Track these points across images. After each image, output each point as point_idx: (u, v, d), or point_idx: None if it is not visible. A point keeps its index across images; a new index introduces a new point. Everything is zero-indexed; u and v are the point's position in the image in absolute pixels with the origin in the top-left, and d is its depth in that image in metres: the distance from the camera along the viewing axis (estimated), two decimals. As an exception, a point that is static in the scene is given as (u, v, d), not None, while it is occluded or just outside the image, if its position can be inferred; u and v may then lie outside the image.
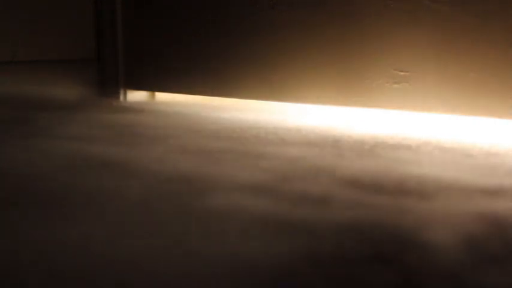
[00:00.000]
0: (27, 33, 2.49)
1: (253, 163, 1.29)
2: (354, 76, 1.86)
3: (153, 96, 2.57)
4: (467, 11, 1.65)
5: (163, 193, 1.07)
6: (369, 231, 0.87)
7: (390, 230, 0.87)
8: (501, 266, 0.75)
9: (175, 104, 2.39)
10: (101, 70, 2.56)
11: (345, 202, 1.01)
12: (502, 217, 0.93)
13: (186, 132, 1.69)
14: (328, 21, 1.91)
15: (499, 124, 1.66)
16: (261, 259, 0.77)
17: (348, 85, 1.88)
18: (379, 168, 1.24)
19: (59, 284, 0.69)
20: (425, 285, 0.69)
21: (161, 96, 2.54)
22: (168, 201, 1.02)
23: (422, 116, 1.79)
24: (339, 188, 1.10)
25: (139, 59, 2.50)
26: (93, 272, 0.73)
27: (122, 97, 2.55)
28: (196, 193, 1.07)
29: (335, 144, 1.48)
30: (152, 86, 2.51)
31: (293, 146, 1.47)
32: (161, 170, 1.25)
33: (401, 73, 1.77)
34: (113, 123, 1.88)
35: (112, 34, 2.53)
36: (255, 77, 2.11)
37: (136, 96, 2.56)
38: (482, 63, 1.63)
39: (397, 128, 1.70)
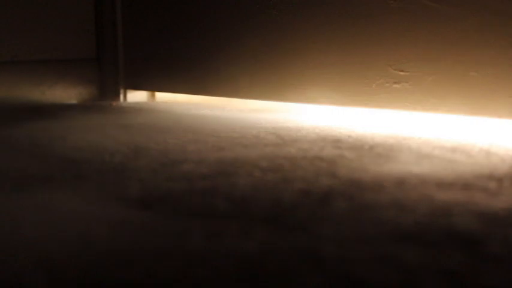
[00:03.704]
0: (26, 33, 2.48)
1: (254, 163, 1.29)
2: (354, 76, 1.86)
3: (153, 96, 2.57)
4: (467, 10, 1.65)
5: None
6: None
7: (390, 230, 0.87)
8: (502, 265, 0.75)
9: (175, 103, 2.39)
10: (101, 70, 2.56)
11: (345, 201, 1.01)
12: (501, 217, 0.93)
13: (186, 131, 1.69)
14: (328, 21, 1.91)
15: (499, 124, 1.66)
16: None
17: (348, 85, 1.88)
18: (379, 168, 1.24)
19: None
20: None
21: (161, 96, 2.54)
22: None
23: (422, 116, 1.79)
24: (339, 187, 1.10)
25: (139, 59, 2.50)
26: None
27: (121, 97, 2.55)
28: (197, 194, 1.07)
29: (335, 144, 1.48)
30: (152, 86, 2.51)
31: (293, 146, 1.47)
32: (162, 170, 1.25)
33: (402, 73, 1.77)
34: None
35: (112, 34, 2.53)
36: (255, 77, 2.11)
37: (136, 96, 2.56)
38: (482, 63, 1.63)
39: (397, 128, 1.70)
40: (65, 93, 2.53)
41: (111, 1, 2.52)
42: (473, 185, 1.10)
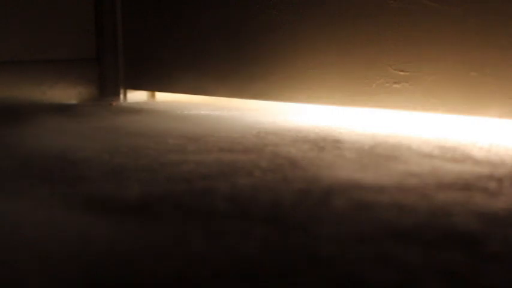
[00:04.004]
0: (26, 33, 2.48)
1: (254, 163, 1.29)
2: (354, 76, 1.86)
3: (153, 96, 2.56)
4: (467, 11, 1.65)
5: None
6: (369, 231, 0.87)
7: (390, 230, 0.87)
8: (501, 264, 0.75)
9: (175, 103, 2.38)
10: (101, 70, 2.56)
11: (345, 201, 1.01)
12: (501, 217, 0.93)
13: (186, 131, 1.69)
14: (328, 21, 1.91)
15: (499, 124, 1.66)
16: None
17: (348, 85, 1.88)
18: (379, 167, 1.24)
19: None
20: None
21: (161, 96, 2.54)
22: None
23: (422, 116, 1.79)
24: (339, 187, 1.10)
25: (139, 59, 2.50)
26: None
27: (121, 97, 2.55)
28: (197, 194, 1.07)
29: (335, 144, 1.48)
30: (152, 86, 2.50)
31: (293, 146, 1.47)
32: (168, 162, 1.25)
33: (401, 73, 1.77)
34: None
35: (112, 34, 2.53)
36: (255, 77, 2.11)
37: (136, 96, 2.56)
38: (482, 63, 1.63)
39: (397, 128, 1.70)
40: (65, 93, 2.53)
41: (111, 1, 2.52)
42: (473, 185, 1.10)
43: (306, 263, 0.76)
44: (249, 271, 0.73)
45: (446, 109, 1.70)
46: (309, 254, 0.78)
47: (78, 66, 2.54)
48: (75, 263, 0.76)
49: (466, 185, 1.10)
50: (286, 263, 0.75)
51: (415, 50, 1.74)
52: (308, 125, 1.79)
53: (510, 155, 1.35)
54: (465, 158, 1.32)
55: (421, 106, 1.74)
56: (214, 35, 2.22)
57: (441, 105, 1.70)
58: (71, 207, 1.00)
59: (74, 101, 2.53)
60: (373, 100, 1.82)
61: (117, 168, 1.27)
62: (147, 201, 1.03)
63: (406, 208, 0.97)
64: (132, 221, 0.92)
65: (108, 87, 2.55)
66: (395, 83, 1.78)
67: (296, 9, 1.99)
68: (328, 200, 1.02)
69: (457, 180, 1.14)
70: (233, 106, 2.24)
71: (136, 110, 2.22)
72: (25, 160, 1.36)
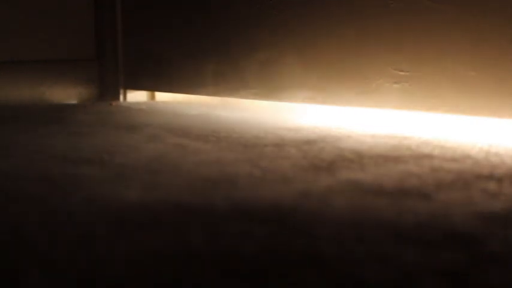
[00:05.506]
0: (26, 33, 2.49)
1: (253, 163, 1.29)
2: (354, 76, 1.86)
3: (153, 96, 2.57)
4: (467, 10, 1.65)
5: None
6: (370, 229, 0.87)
7: (390, 230, 0.87)
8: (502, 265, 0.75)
9: (174, 103, 2.39)
10: (101, 70, 2.56)
11: (344, 202, 1.01)
12: (501, 216, 0.93)
13: (185, 131, 1.69)
14: (328, 21, 1.91)
15: (499, 124, 1.66)
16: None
17: (348, 85, 1.88)
18: (379, 167, 1.24)
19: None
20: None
21: (161, 96, 2.54)
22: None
23: (422, 116, 1.79)
24: (339, 187, 1.10)
25: (139, 59, 2.50)
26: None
27: (121, 97, 2.55)
28: (197, 194, 1.07)
29: (335, 144, 1.48)
30: (152, 86, 2.51)
31: (293, 146, 1.47)
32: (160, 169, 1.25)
33: (401, 73, 1.77)
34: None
35: (112, 34, 2.53)
36: (255, 77, 2.11)
37: (136, 96, 2.56)
38: (482, 62, 1.63)
39: (397, 128, 1.70)
40: (65, 93, 2.53)
41: (111, 1, 2.52)
42: (473, 185, 1.10)
43: (306, 262, 0.75)
44: (248, 270, 0.73)
45: (446, 109, 1.70)
46: (309, 253, 0.78)
47: (78, 66, 2.54)
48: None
49: (466, 185, 1.10)
50: (286, 263, 0.75)
51: (414, 50, 1.74)
52: (308, 125, 1.79)
53: (510, 155, 1.35)
54: (465, 158, 1.32)
55: (421, 106, 1.74)
56: (214, 35, 2.22)
57: (441, 105, 1.70)
58: (70, 203, 1.00)
59: (73, 101, 2.53)
60: (373, 100, 1.82)
61: (118, 168, 1.26)
62: (146, 200, 1.03)
63: (406, 208, 0.97)
64: (132, 221, 0.92)
65: (108, 87, 2.55)
66: (395, 83, 1.78)
67: (296, 9, 1.99)
68: (328, 200, 1.02)
69: (457, 180, 1.14)
70: (233, 106, 2.24)
71: (136, 110, 2.22)
72: (24, 161, 1.36)
